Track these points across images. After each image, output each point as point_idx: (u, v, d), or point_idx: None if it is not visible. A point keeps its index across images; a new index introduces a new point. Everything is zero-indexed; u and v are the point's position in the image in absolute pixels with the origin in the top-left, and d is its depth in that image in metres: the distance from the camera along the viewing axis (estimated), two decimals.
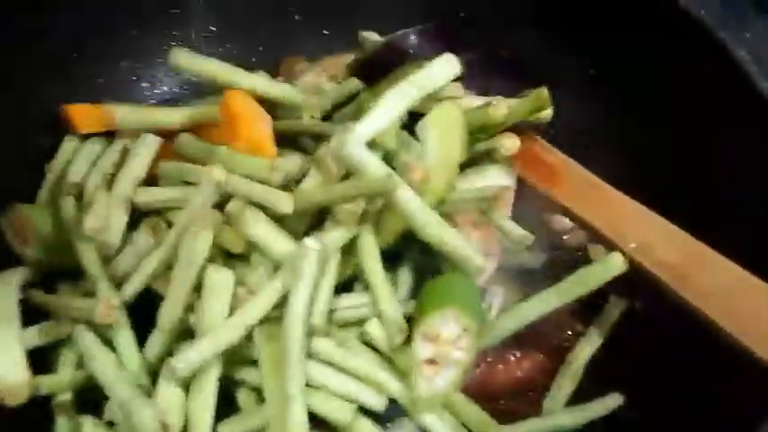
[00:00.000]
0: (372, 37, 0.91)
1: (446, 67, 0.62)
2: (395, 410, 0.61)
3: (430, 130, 0.59)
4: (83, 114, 0.72)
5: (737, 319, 0.51)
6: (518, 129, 0.67)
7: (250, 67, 0.87)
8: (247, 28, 0.91)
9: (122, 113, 0.69)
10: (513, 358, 0.66)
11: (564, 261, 0.77)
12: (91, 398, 0.60)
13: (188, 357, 0.52)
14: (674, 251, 0.54)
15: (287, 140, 0.72)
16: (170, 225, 0.61)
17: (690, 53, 0.71)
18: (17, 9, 0.71)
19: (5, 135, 0.70)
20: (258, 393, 0.61)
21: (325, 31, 0.94)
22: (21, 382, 0.51)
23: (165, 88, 0.87)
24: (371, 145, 0.58)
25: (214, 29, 0.90)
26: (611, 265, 0.55)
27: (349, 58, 0.88)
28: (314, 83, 0.85)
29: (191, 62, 0.70)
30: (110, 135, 0.73)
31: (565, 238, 0.77)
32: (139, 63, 0.85)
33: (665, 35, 0.73)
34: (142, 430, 0.48)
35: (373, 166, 0.54)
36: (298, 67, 0.88)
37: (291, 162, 0.61)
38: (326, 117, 0.75)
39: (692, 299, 0.52)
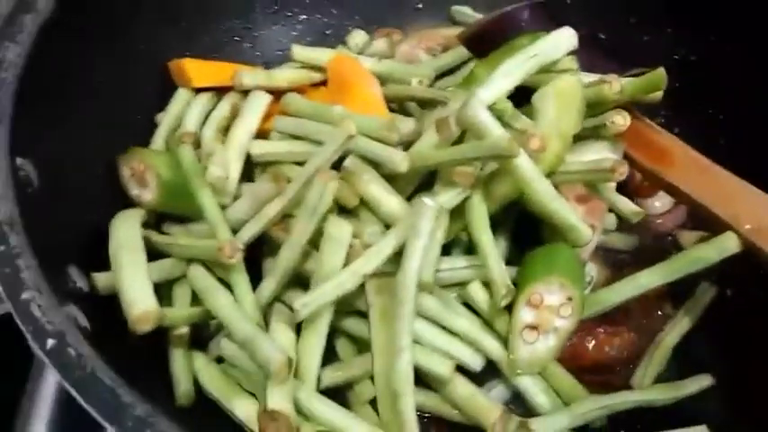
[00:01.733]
0: (465, 11, 0.92)
1: (564, 39, 0.63)
2: (490, 372, 0.63)
3: (549, 100, 0.60)
4: (198, 69, 0.76)
5: None
6: (623, 107, 0.67)
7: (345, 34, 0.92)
8: None
9: (245, 72, 0.73)
10: (603, 334, 0.67)
11: (652, 246, 0.78)
12: (197, 336, 0.63)
13: (310, 301, 0.54)
14: None
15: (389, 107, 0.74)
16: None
17: None
18: None
19: (119, 85, 0.73)
20: (357, 344, 0.64)
21: (418, 5, 0.95)
22: (150, 311, 0.53)
23: (264, 50, 0.90)
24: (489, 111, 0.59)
25: None
26: (725, 245, 0.55)
27: (445, 31, 0.90)
28: (410, 53, 0.87)
29: (309, 55, 0.79)
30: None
31: (657, 222, 0.77)
32: (244, 25, 0.88)
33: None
34: (267, 364, 0.50)
35: (496, 129, 0.55)
36: (394, 38, 0.89)
37: (406, 123, 0.63)
38: (430, 85, 0.77)
39: None
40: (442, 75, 0.83)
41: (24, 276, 0.45)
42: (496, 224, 0.66)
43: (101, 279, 0.57)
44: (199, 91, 0.77)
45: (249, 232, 0.60)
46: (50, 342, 0.43)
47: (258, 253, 0.66)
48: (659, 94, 0.66)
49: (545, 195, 0.58)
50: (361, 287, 0.59)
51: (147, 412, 0.40)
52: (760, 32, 0.75)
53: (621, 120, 0.63)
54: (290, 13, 0.91)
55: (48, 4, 0.62)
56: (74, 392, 0.41)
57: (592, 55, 0.73)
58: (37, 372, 0.64)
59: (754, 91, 0.76)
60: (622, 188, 0.72)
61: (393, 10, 0.94)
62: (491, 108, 0.60)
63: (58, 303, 0.45)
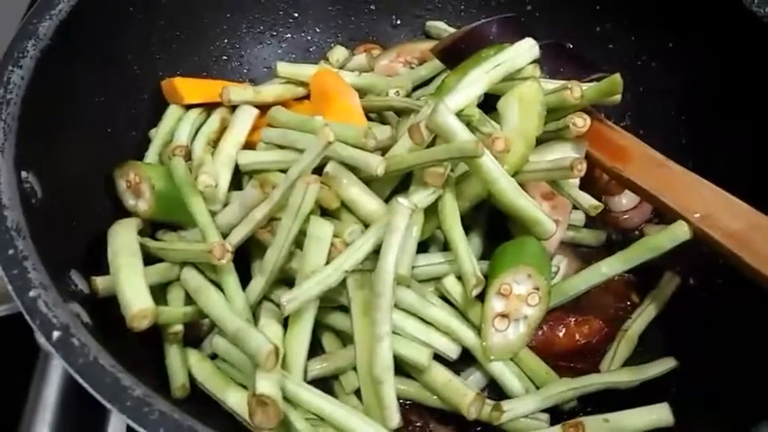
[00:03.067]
0: (440, 26, 0.97)
1: (526, 50, 0.68)
2: (467, 361, 0.67)
3: (512, 104, 0.65)
4: (189, 87, 0.80)
5: None
6: (585, 110, 0.72)
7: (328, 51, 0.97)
8: (326, 16, 0.99)
9: (233, 88, 0.78)
10: (573, 322, 0.71)
11: (620, 241, 0.82)
12: (191, 336, 0.67)
13: (295, 296, 0.59)
14: (736, 220, 0.59)
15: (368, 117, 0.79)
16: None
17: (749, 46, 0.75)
18: None
19: (114, 103, 0.78)
20: (341, 337, 0.68)
21: (397, 21, 1.01)
22: (147, 309, 0.57)
23: (251, 67, 0.95)
24: (457, 116, 0.64)
25: (296, 15, 0.97)
26: (677, 233, 0.60)
27: (421, 45, 0.95)
28: (389, 67, 0.93)
29: (293, 71, 0.83)
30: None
31: (624, 218, 0.82)
32: (230, 44, 0.93)
33: (730, 36, 0.78)
34: (256, 354, 0.54)
35: (463, 132, 0.60)
36: (373, 52, 0.94)
37: (382, 130, 0.68)
38: (407, 95, 0.82)
39: (754, 263, 0.57)
40: (418, 86, 0.89)
41: (31, 276, 0.50)
42: (469, 222, 0.71)
43: (100, 282, 0.61)
44: (189, 107, 0.81)
45: (238, 235, 0.64)
46: (56, 334, 0.47)
47: (247, 255, 0.70)
48: (618, 97, 0.71)
49: (510, 192, 0.63)
50: (343, 283, 0.63)
51: (146, 393, 0.45)
52: (714, 38, 0.80)
53: (581, 122, 0.67)
54: (274, 33, 0.97)
55: (48, 31, 0.67)
56: (78, 377, 0.45)
57: (557, 62, 0.79)
58: (41, 370, 0.68)
59: (710, 92, 0.81)
60: (590, 187, 0.77)
61: (372, 27, 1.00)
62: (459, 114, 0.65)
63: (62, 301, 0.50)
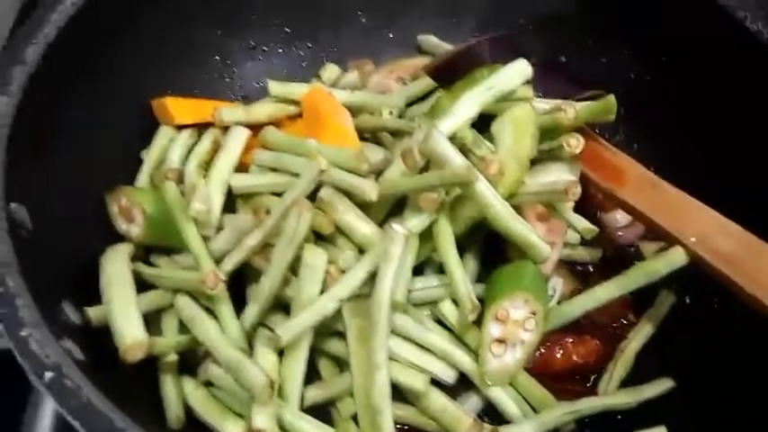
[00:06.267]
0: (431, 40, 0.97)
1: (519, 71, 0.68)
2: (464, 385, 0.67)
3: (505, 126, 0.65)
4: (179, 107, 0.80)
5: None
6: (580, 129, 0.72)
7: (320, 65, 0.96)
8: (318, 31, 0.98)
9: (225, 108, 0.78)
10: (570, 343, 0.71)
11: (616, 258, 0.82)
12: (186, 361, 0.67)
13: (291, 327, 0.58)
14: (731, 243, 0.59)
15: (362, 136, 0.78)
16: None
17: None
18: (115, 9, 0.78)
19: (105, 126, 0.76)
20: (338, 363, 0.67)
21: (390, 35, 1.00)
22: (140, 341, 0.57)
23: (243, 83, 0.94)
24: (450, 140, 0.63)
25: (288, 30, 0.96)
26: (673, 258, 0.60)
27: (414, 61, 0.94)
28: (382, 83, 0.92)
29: (285, 90, 0.82)
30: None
31: (620, 234, 0.81)
32: (223, 61, 0.92)
33: (723, 51, 0.78)
34: (252, 387, 0.54)
35: (456, 158, 0.60)
36: (366, 68, 0.94)
37: (376, 153, 0.68)
38: (400, 114, 0.81)
39: (748, 288, 0.57)
40: (412, 102, 0.88)
41: (22, 315, 0.49)
42: (465, 245, 0.70)
43: (93, 313, 0.60)
44: (181, 128, 0.81)
45: (231, 263, 0.63)
46: (48, 375, 0.46)
47: (242, 278, 0.70)
48: (612, 117, 0.71)
49: (504, 216, 0.62)
50: (339, 310, 0.62)
51: None
52: (707, 53, 0.80)
53: (575, 142, 0.67)
54: (266, 48, 0.95)
55: (35, 56, 0.65)
56: (71, 419, 0.44)
57: (551, 79, 0.78)
58: (34, 404, 0.67)
59: (705, 107, 0.81)
60: (584, 203, 0.76)
61: (366, 41, 0.98)
62: (453, 137, 0.65)
63: (54, 338, 0.49)
